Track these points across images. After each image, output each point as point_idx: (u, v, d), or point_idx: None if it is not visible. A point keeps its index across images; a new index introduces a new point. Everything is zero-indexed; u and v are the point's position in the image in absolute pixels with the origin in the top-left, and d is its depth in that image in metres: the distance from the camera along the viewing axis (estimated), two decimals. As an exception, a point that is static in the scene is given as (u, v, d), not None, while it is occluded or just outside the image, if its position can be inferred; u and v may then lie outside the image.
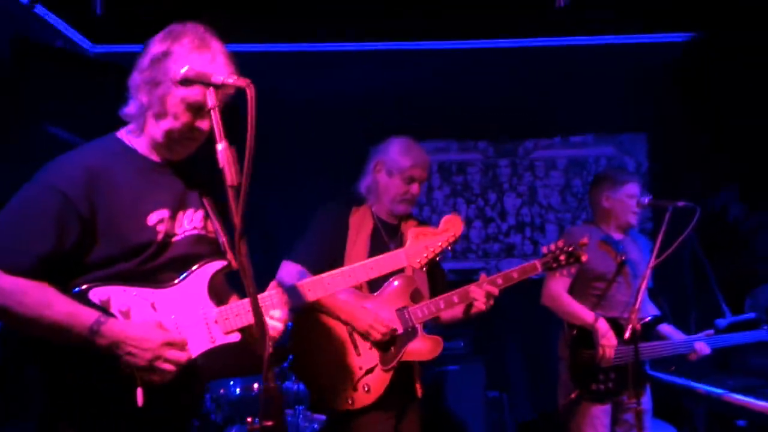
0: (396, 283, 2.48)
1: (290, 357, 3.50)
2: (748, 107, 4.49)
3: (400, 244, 2.44)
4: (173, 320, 1.65)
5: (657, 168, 5.02)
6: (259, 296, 1.57)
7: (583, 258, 2.48)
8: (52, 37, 4.19)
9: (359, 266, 1.96)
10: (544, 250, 2.49)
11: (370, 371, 2.39)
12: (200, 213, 1.78)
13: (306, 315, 2.48)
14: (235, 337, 1.71)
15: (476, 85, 4.99)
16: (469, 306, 2.43)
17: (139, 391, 1.54)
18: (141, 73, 1.67)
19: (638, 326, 2.63)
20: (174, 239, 1.71)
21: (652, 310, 3.19)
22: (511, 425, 4.64)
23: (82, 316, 1.51)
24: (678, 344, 3.06)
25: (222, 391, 3.51)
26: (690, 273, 4.45)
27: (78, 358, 1.55)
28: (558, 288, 3.01)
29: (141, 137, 1.73)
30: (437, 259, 2.09)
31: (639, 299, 2.61)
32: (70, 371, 1.57)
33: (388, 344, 2.41)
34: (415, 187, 2.57)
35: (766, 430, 3.28)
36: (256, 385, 3.55)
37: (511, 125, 5.11)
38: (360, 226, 2.56)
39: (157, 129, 1.68)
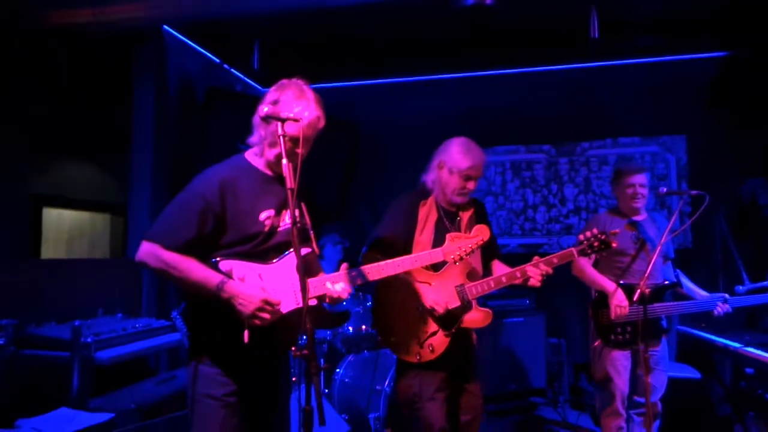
0: (454, 265, 2.35)
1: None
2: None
3: (458, 228, 2.50)
4: (272, 286, 1.79)
5: (695, 162, 4.95)
6: (327, 275, 1.88)
7: (613, 245, 2.37)
8: (233, 83, 4.85)
9: (408, 258, 2.03)
10: (580, 237, 2.40)
11: (433, 334, 2.38)
12: (297, 211, 1.80)
13: (386, 288, 2.47)
14: (313, 301, 1.83)
15: (540, 101, 5.08)
16: (526, 280, 2.36)
17: (246, 332, 1.72)
18: (258, 113, 1.83)
19: (647, 291, 2.58)
20: (279, 230, 1.85)
21: (670, 277, 3.09)
22: (569, 366, 4.75)
23: (212, 278, 1.72)
24: (686, 305, 3.02)
25: (340, 330, 3.79)
26: (719, 248, 4.44)
27: (210, 313, 1.78)
28: (583, 261, 2.99)
29: (260, 158, 1.90)
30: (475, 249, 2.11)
31: (649, 269, 2.60)
32: (208, 318, 1.80)
33: (448, 314, 2.38)
34: (471, 184, 2.47)
35: (762, 375, 3.37)
36: (363, 327, 3.80)
37: (570, 131, 5.14)
38: (427, 216, 2.48)
39: (270, 153, 1.84)
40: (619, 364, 2.94)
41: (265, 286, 1.78)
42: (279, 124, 1.68)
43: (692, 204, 4.88)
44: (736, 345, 3.32)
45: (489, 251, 2.56)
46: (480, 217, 2.62)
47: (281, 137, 1.67)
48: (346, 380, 3.69)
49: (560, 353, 4.77)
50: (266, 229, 1.82)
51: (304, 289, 1.52)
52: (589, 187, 5.17)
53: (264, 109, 1.74)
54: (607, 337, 2.94)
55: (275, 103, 1.80)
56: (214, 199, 1.77)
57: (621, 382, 2.95)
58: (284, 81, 1.88)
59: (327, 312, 1.96)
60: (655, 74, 4.89)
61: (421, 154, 2.59)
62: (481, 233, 2.13)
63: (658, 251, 2.73)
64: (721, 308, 2.96)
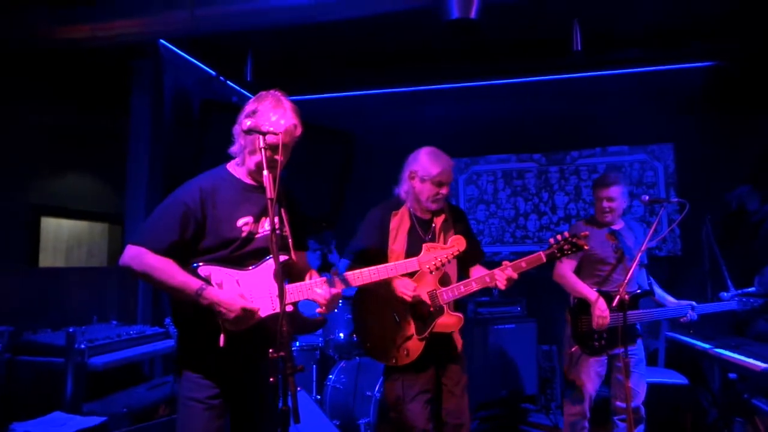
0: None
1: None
2: (755, 120, 4.51)
3: (432, 235, 2.55)
4: (249, 292, 1.85)
5: (683, 170, 5.01)
6: (309, 281, 1.92)
7: (585, 247, 2.39)
8: (229, 95, 4.94)
9: (383, 267, 2.05)
10: (551, 241, 2.41)
11: (408, 338, 2.43)
12: (277, 219, 1.84)
13: (362, 294, 2.56)
14: (289, 307, 1.85)
15: (531, 111, 5.17)
16: (495, 285, 2.39)
17: (222, 336, 1.79)
18: (238, 124, 1.91)
19: (626, 297, 2.59)
20: (257, 236, 1.91)
21: (644, 283, 3.15)
22: (560, 371, 4.70)
23: (192, 284, 1.77)
24: (659, 312, 3.08)
25: (332, 336, 3.90)
26: (707, 255, 4.49)
27: (190, 319, 1.85)
28: (565, 268, 3.05)
29: (241, 168, 1.96)
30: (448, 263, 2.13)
31: (628, 276, 2.64)
32: (188, 322, 1.88)
33: (421, 319, 2.43)
34: (444, 189, 2.51)
35: (747, 381, 3.39)
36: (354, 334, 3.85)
37: (560, 140, 5.22)
38: (399, 225, 2.53)
39: (251, 161, 1.91)
40: (592, 370, 3.02)
41: (243, 291, 1.84)
42: (260, 137, 1.75)
43: (680, 211, 4.96)
44: (711, 348, 3.40)
45: (467, 259, 2.58)
46: (456, 222, 2.65)
47: (262, 150, 1.73)
48: (338, 386, 3.74)
49: (552, 359, 4.79)
50: (243, 234, 1.88)
51: (281, 295, 1.58)
52: (579, 196, 5.24)
53: (247, 122, 1.80)
54: (585, 344, 3.00)
55: (254, 113, 1.87)
56: (195, 205, 1.85)
57: (591, 387, 3.03)
58: (262, 93, 1.95)
59: (303, 317, 2.02)
60: (644, 84, 4.97)
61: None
62: (457, 244, 2.16)
63: (637, 260, 2.77)
64: (689, 315, 3.04)
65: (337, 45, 4.51)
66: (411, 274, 2.40)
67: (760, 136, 4.56)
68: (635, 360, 3.03)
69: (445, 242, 2.50)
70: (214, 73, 4.81)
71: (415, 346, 2.45)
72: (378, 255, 2.49)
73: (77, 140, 5.10)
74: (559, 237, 2.40)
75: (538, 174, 5.33)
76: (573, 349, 3.03)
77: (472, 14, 3.34)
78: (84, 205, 5.45)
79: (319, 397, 3.80)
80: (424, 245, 2.18)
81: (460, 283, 2.47)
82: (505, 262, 2.39)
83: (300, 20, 3.79)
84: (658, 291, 3.22)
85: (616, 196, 3.07)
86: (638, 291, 3.04)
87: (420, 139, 5.56)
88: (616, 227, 3.15)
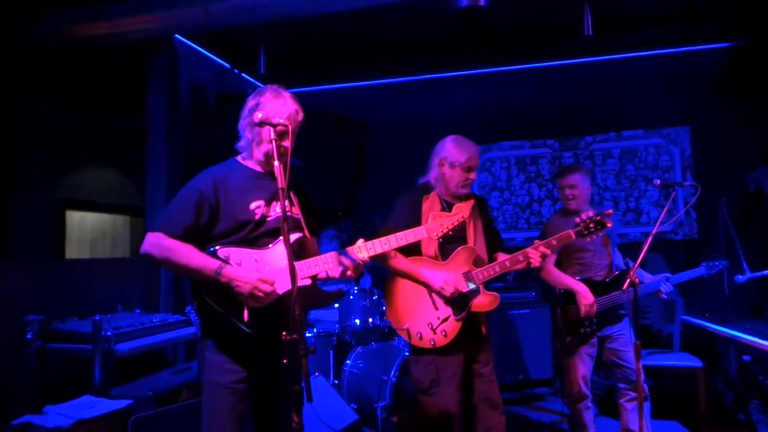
0: (461, 254, 2.54)
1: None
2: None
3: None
4: (267, 270, 1.91)
5: (699, 154, 4.95)
6: (324, 255, 1.97)
7: (609, 225, 2.50)
8: (245, 88, 4.97)
9: (393, 236, 2.10)
10: (577, 220, 2.54)
11: (445, 320, 2.49)
12: (287, 202, 1.96)
13: (397, 279, 2.59)
14: (307, 281, 1.94)
15: (544, 96, 5.16)
16: (528, 263, 2.49)
17: (246, 312, 1.85)
18: (244, 120, 2.02)
19: (636, 280, 2.61)
20: (268, 219, 1.98)
21: (620, 263, 3.28)
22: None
23: (210, 263, 1.85)
24: (641, 288, 3.12)
25: (348, 323, 3.96)
26: (722, 238, 4.45)
27: (214, 296, 1.87)
28: (549, 264, 3.12)
29: (250, 160, 2.06)
30: (451, 231, 2.15)
31: (638, 261, 2.59)
32: (211, 304, 1.89)
33: (458, 300, 2.48)
34: (472, 174, 2.61)
35: (762, 363, 3.41)
36: (370, 320, 3.95)
37: (574, 125, 5.19)
38: (431, 208, 2.58)
39: (259, 152, 2.00)
40: (584, 352, 3.11)
41: (261, 269, 1.91)
42: (271, 129, 1.83)
43: (695, 195, 4.91)
44: (727, 331, 3.40)
45: (492, 245, 2.70)
46: (482, 208, 2.75)
47: (273, 141, 1.82)
48: (355, 371, 3.82)
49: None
50: (256, 217, 1.96)
51: (293, 272, 1.63)
52: (594, 181, 5.13)
53: (258, 115, 1.88)
54: (576, 332, 3.08)
55: (256, 106, 1.96)
56: (208, 192, 1.93)
57: (585, 370, 3.11)
58: (260, 88, 2.04)
59: (321, 290, 2.06)
60: (659, 66, 4.91)
61: (427, 151, 2.65)
62: (462, 211, 2.23)
63: (610, 243, 3.03)
64: (665, 287, 3.17)
65: (349, 36, 4.53)
66: (444, 255, 2.52)
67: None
68: (625, 338, 3.10)
69: (473, 230, 2.62)
70: (228, 66, 4.87)
71: (452, 327, 2.49)
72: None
73: (99, 137, 5.24)
74: (583, 216, 2.54)
75: (552, 160, 5.31)
76: (569, 339, 3.09)
77: (482, 1, 3.33)
78: (107, 199, 5.60)
79: (336, 381, 3.88)
80: (430, 214, 2.23)
81: (495, 263, 2.54)
82: (536, 241, 2.51)
83: (311, 11, 3.83)
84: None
85: (576, 183, 3.16)
86: (615, 274, 3.14)
87: (433, 128, 5.55)
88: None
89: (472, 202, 2.69)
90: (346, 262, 1.96)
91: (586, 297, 2.98)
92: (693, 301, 4.76)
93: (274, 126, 1.83)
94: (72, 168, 5.20)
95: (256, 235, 1.95)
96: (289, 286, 1.67)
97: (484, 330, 2.62)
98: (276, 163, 1.76)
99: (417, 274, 2.51)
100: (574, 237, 2.51)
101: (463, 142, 2.62)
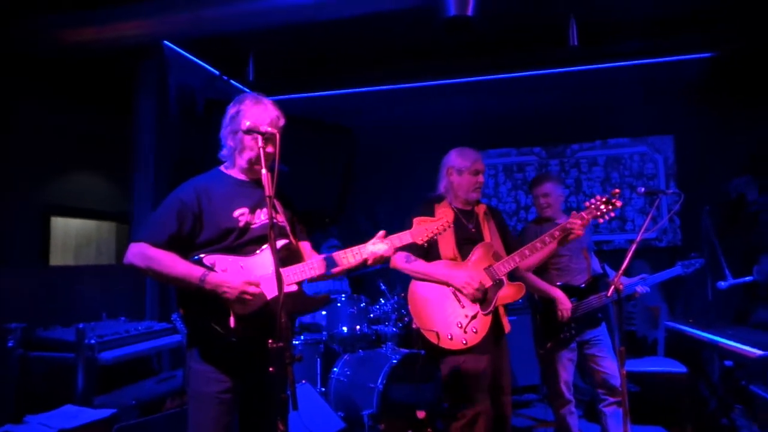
0: (479, 250, 2.59)
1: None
2: (754, 110, 4.50)
3: (476, 223, 2.70)
4: (254, 276, 1.89)
5: (682, 162, 5.02)
6: (309, 261, 1.95)
7: (618, 204, 2.58)
8: (233, 94, 5.00)
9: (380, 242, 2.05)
10: (587, 204, 2.61)
11: (474, 317, 2.49)
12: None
13: (417, 286, 2.60)
14: (293, 287, 1.92)
15: (531, 105, 5.20)
16: (567, 236, 2.56)
17: (232, 318, 1.82)
18: (225, 128, 2.02)
19: (621, 286, 2.54)
20: (253, 226, 1.97)
21: (598, 269, 3.30)
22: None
23: (194, 271, 1.83)
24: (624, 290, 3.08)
25: (335, 331, 3.93)
26: (706, 246, 4.51)
27: (198, 305, 1.85)
28: (525, 271, 3.05)
29: (233, 168, 2.06)
30: (436, 235, 2.12)
31: (622, 268, 2.49)
32: (196, 312, 1.88)
33: (484, 295, 2.52)
34: (480, 177, 2.70)
35: (744, 368, 3.43)
36: (358, 327, 3.95)
37: (560, 133, 5.24)
38: (444, 215, 2.49)
39: (242, 160, 2.01)
40: (565, 357, 3.13)
41: (247, 275, 1.89)
42: (259, 136, 1.83)
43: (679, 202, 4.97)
44: (718, 339, 3.32)
45: (509, 247, 2.75)
46: (494, 214, 2.84)
47: (261, 149, 1.80)
48: (342, 379, 3.79)
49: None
50: (240, 225, 1.95)
51: (278, 278, 1.61)
52: (580, 188, 5.27)
53: (246, 123, 1.89)
54: (556, 337, 3.09)
55: (237, 114, 1.97)
56: (191, 200, 1.93)
57: (567, 375, 3.13)
58: (239, 96, 2.04)
59: (307, 297, 2.06)
60: (643, 76, 4.98)
61: (415, 158, 2.71)
62: (445, 215, 2.23)
63: (587, 248, 3.11)
64: (641, 288, 3.25)
65: (337, 43, 4.54)
66: (463, 255, 2.59)
67: (758, 126, 4.56)
68: (603, 344, 3.12)
69: (489, 231, 2.71)
70: (217, 72, 4.86)
71: (482, 323, 2.51)
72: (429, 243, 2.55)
73: (86, 142, 5.17)
74: (593, 200, 2.62)
75: (539, 167, 5.35)
76: (548, 346, 3.11)
77: (469, 11, 3.36)
78: (93, 205, 5.53)
79: (323, 389, 3.85)
80: (414, 219, 2.25)
81: (514, 254, 2.58)
82: (573, 212, 2.61)
83: (300, 20, 3.84)
84: (611, 273, 3.35)
85: (549, 191, 3.23)
86: (589, 279, 3.16)
87: (420, 136, 5.57)
88: (560, 221, 3.20)
89: (483, 207, 2.79)
90: (333, 267, 1.96)
91: (563, 302, 3.00)
92: (677, 308, 4.81)
93: (263, 134, 1.82)
94: (58, 173, 5.14)
95: (242, 242, 1.94)
96: (276, 292, 1.65)
97: (506, 323, 2.66)
98: (264, 171, 1.74)
99: (437, 276, 2.55)
100: (586, 217, 2.57)
101: (466, 150, 2.74)
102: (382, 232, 2.05)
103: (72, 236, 5.87)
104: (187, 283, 1.83)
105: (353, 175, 5.29)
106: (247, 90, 5.20)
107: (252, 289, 1.82)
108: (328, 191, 5.18)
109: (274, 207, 1.71)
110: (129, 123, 4.32)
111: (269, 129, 1.87)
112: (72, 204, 5.27)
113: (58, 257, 5.46)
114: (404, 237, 2.12)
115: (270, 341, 1.56)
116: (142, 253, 1.86)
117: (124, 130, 4.46)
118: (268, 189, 1.72)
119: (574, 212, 2.60)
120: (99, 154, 5.35)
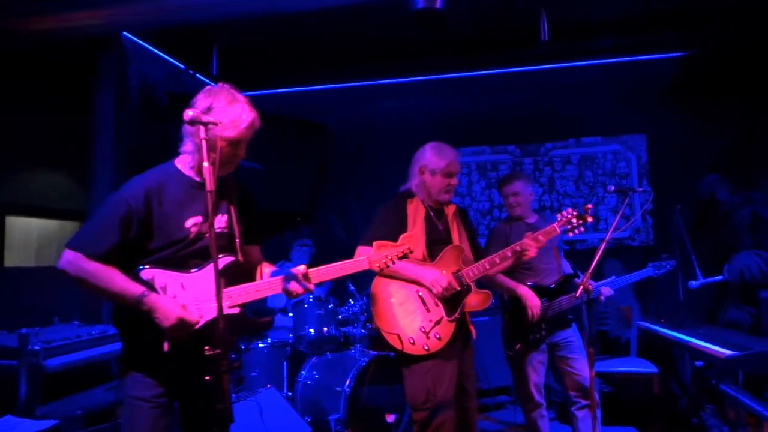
0: (448, 253, 2.52)
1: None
2: (726, 110, 4.51)
3: (445, 224, 2.61)
4: (194, 296, 1.78)
5: (655, 160, 5.02)
6: (258, 281, 1.87)
7: (589, 219, 2.60)
8: (197, 88, 4.87)
9: (334, 266, 1.95)
10: (558, 216, 2.62)
11: (438, 323, 2.41)
12: (225, 217, 1.89)
13: (384, 283, 2.51)
14: (235, 309, 1.81)
15: (505, 103, 5.16)
16: (517, 256, 2.52)
17: (166, 343, 1.72)
18: (191, 118, 1.75)
19: (590, 287, 2.60)
20: (206, 236, 1.79)
21: (568, 269, 3.25)
22: None
23: (132, 289, 1.70)
24: (593, 293, 3.13)
25: (302, 333, 3.80)
26: (677, 244, 4.51)
27: (134, 323, 1.75)
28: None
29: (192, 165, 1.85)
30: (395, 262, 2.03)
31: (591, 267, 2.54)
32: (132, 331, 1.80)
33: (450, 300, 2.44)
34: (454, 180, 2.60)
35: (714, 368, 3.36)
36: (326, 329, 3.80)
37: (534, 132, 5.20)
38: (416, 212, 2.57)
39: (202, 159, 1.77)
40: (535, 360, 3.05)
41: (188, 295, 1.78)
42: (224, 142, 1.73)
43: (653, 201, 4.99)
44: (688, 339, 3.30)
45: (477, 253, 2.71)
46: (463, 217, 2.76)
47: (221, 149, 1.69)
48: (309, 383, 3.67)
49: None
50: (192, 236, 1.80)
51: (219, 297, 1.51)
52: (553, 187, 5.23)
53: (215, 121, 1.71)
54: (526, 338, 3.01)
55: (208, 110, 1.76)
56: (139, 205, 1.75)
57: (537, 377, 3.06)
58: (211, 87, 1.85)
59: (250, 319, 1.93)
60: (617, 75, 4.96)
61: (389, 156, 2.59)
62: (408, 242, 2.10)
63: (557, 248, 3.08)
64: (605, 290, 3.22)
65: (305, 38, 4.41)
66: (432, 256, 2.51)
67: (730, 125, 4.57)
68: (574, 345, 3.06)
69: (458, 232, 2.63)
70: (182, 66, 4.69)
71: (446, 329, 2.42)
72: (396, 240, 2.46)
73: (47, 139, 4.95)
74: (564, 213, 2.64)
75: (513, 166, 5.30)
76: (517, 347, 3.02)
77: (438, 4, 3.27)
78: (54, 204, 5.29)
79: (290, 393, 3.72)
80: (374, 243, 2.12)
81: (484, 260, 2.52)
82: (528, 233, 2.59)
83: (266, 10, 3.70)
84: (581, 274, 3.27)
85: (519, 190, 3.18)
86: (558, 280, 3.12)
87: (393, 134, 5.49)
88: (530, 221, 3.22)
89: (453, 207, 2.71)
90: (292, 288, 1.82)
91: (531, 299, 2.92)
92: (649, 307, 4.79)
93: (231, 140, 1.73)
94: (16, 171, 4.90)
95: (185, 254, 1.80)
96: (216, 313, 1.56)
97: (473, 330, 2.60)
98: (205, 164, 1.59)
99: (406, 273, 2.46)
100: (558, 231, 2.59)
101: (443, 148, 2.61)
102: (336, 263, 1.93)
103: (33, 237, 5.63)
104: (124, 300, 1.71)
105: (326, 174, 5.17)
106: (212, 84, 5.07)
107: (188, 317, 1.71)
108: (301, 189, 5.06)
109: (229, 213, 1.60)
110: (90, 118, 4.13)
111: (241, 137, 1.77)
112: (31, 203, 5.03)
113: (16, 258, 5.22)
114: (360, 263, 2.00)
115: (207, 348, 1.42)
116: (76, 265, 1.71)
117: (85, 125, 4.26)
118: (209, 183, 1.59)
119: (529, 233, 2.57)
120: (60, 151, 5.11)
